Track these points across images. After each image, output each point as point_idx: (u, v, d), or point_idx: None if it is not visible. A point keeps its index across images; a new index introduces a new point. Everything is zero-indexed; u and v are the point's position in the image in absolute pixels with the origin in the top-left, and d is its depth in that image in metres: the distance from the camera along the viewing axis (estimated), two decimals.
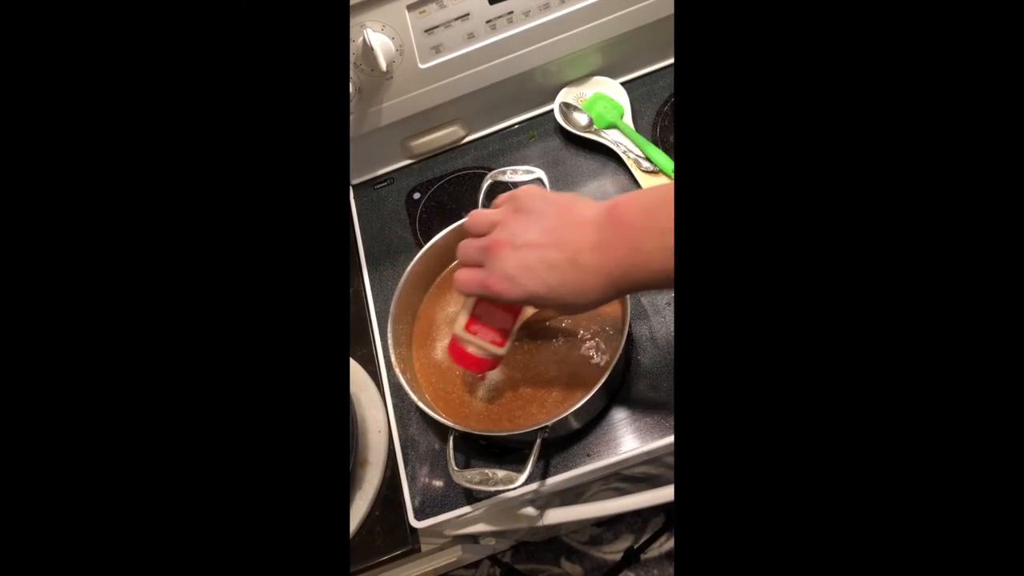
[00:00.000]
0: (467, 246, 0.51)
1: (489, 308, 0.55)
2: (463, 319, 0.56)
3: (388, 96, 0.78)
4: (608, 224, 0.45)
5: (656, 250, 0.42)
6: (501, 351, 0.57)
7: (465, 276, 0.51)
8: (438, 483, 0.68)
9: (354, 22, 0.71)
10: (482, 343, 0.56)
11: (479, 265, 0.50)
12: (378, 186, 0.88)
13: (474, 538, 0.81)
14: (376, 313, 0.79)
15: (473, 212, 0.53)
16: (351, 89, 0.74)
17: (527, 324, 0.68)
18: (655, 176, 0.77)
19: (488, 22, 0.74)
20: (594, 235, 0.45)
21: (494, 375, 0.67)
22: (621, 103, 0.84)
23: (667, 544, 1.24)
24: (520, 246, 0.47)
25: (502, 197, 0.52)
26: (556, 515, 0.72)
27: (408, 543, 0.68)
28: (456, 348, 0.58)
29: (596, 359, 0.65)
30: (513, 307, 0.55)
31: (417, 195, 0.86)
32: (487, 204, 0.72)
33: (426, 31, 0.73)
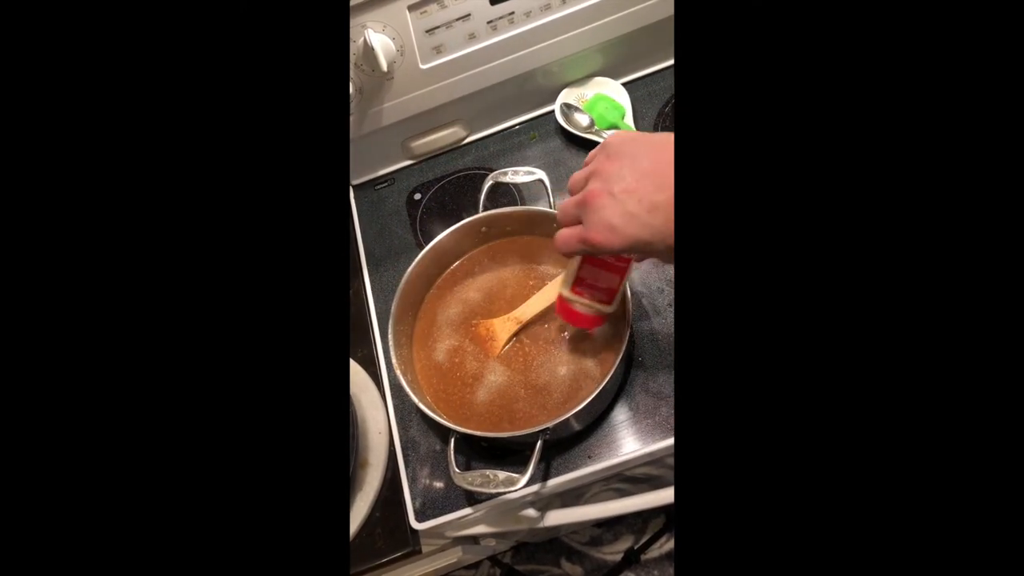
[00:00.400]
0: (565, 205, 0.49)
1: (594, 268, 0.53)
2: (569, 281, 0.54)
3: (389, 97, 0.77)
4: None
5: None
6: (610, 309, 0.55)
7: (564, 234, 0.49)
8: (439, 484, 0.68)
9: (355, 22, 0.70)
10: (591, 303, 0.55)
11: (578, 222, 0.48)
12: (379, 187, 0.88)
13: (474, 539, 0.80)
14: (377, 314, 0.78)
15: (572, 176, 0.50)
16: (352, 90, 0.74)
17: (530, 324, 0.68)
18: None
19: (489, 23, 0.74)
20: None
21: (495, 377, 0.67)
22: (622, 104, 0.83)
23: (667, 545, 1.23)
24: (618, 192, 0.45)
25: (592, 153, 0.50)
26: (557, 516, 0.72)
27: (409, 544, 0.68)
28: (563, 307, 0.56)
29: (597, 361, 0.65)
30: (619, 262, 0.53)
31: (418, 196, 0.86)
32: (488, 205, 0.72)
33: (427, 31, 0.73)
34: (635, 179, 0.45)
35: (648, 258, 0.51)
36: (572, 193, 0.49)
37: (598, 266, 0.54)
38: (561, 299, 0.57)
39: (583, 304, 0.55)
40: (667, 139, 0.46)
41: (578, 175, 0.49)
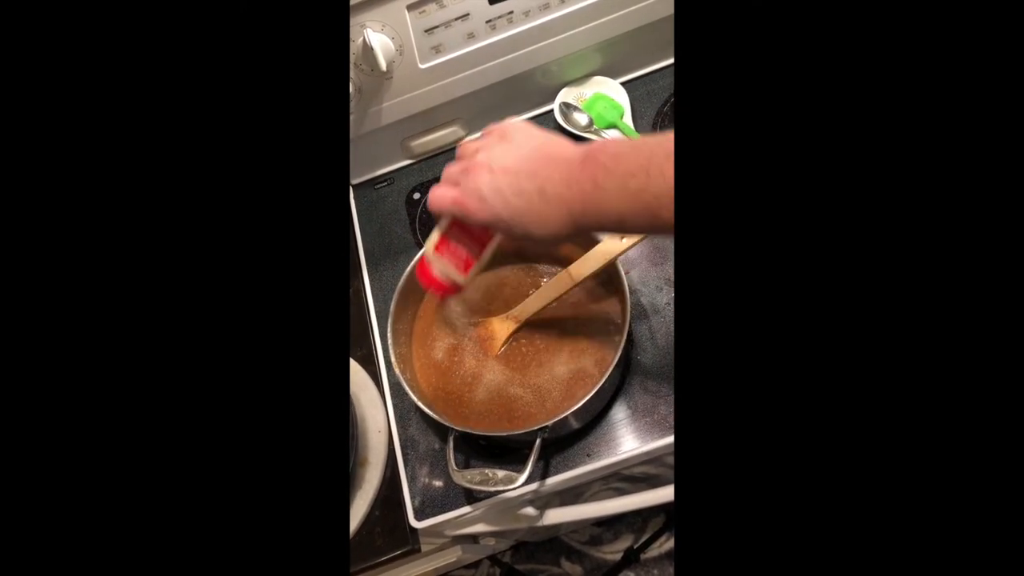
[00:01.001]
0: (450, 167, 0.53)
1: (460, 233, 0.56)
2: (434, 238, 0.57)
3: (388, 96, 0.77)
4: (579, 161, 0.47)
5: (616, 190, 0.44)
6: (463, 279, 0.58)
7: (439, 191, 0.52)
8: (438, 483, 0.68)
9: (354, 22, 0.70)
10: (447, 266, 0.57)
11: (457, 184, 0.52)
12: (378, 186, 0.88)
13: (474, 538, 0.81)
14: (376, 313, 0.79)
15: (465, 141, 0.54)
16: (351, 89, 0.74)
17: (528, 323, 0.68)
18: None
19: (488, 22, 0.74)
20: (565, 170, 0.47)
21: (494, 375, 0.67)
22: (621, 103, 0.84)
23: (667, 544, 1.24)
24: (496, 170, 0.49)
25: (491, 126, 0.54)
26: (556, 515, 0.72)
27: (408, 543, 0.68)
28: (422, 267, 0.59)
29: (596, 359, 0.65)
30: (483, 235, 0.56)
31: (417, 195, 0.86)
32: None
33: (426, 31, 0.73)
34: (514, 163, 0.49)
35: (512, 239, 0.55)
36: (460, 157, 0.53)
37: (465, 232, 0.56)
38: (423, 260, 0.59)
39: (440, 269, 0.58)
40: (554, 137, 0.50)
41: (470, 144, 0.53)
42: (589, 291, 0.68)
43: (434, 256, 0.57)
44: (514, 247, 0.67)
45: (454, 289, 0.59)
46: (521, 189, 0.48)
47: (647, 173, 0.42)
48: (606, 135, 0.82)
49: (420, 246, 0.71)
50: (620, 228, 0.46)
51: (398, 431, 0.71)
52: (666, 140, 0.41)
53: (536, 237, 0.49)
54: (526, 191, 0.48)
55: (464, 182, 0.50)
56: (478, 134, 0.51)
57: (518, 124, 0.52)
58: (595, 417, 0.67)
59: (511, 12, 0.74)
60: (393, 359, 0.65)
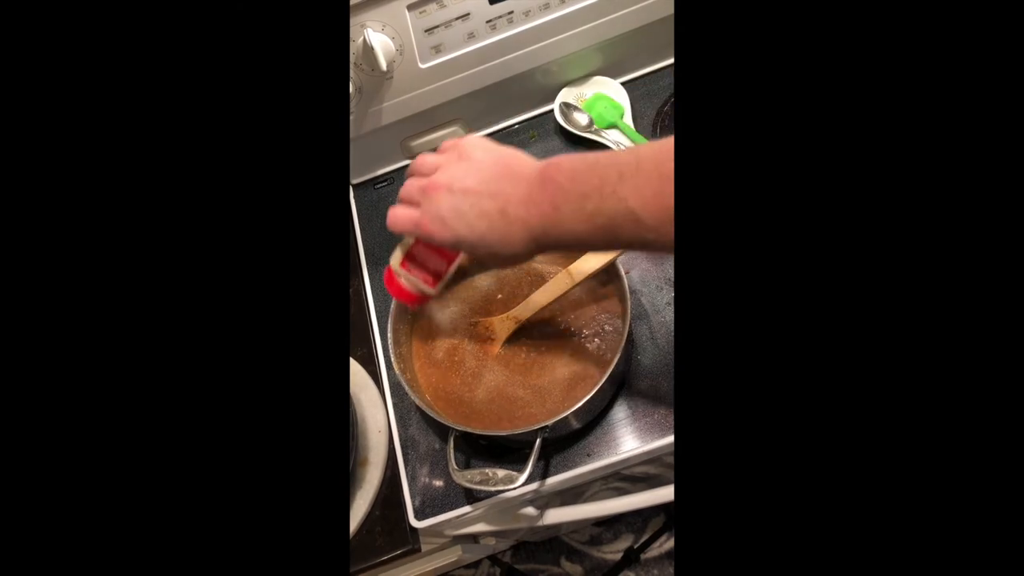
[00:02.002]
0: (408, 185, 0.53)
1: (425, 249, 0.56)
2: (399, 255, 0.57)
3: (388, 96, 0.78)
4: (538, 181, 0.46)
5: (572, 212, 0.44)
6: (432, 291, 0.58)
7: (399, 213, 0.52)
8: (438, 483, 0.68)
9: (354, 22, 0.71)
10: (415, 280, 0.57)
11: (417, 205, 0.51)
12: (378, 186, 0.88)
13: (474, 538, 0.81)
14: (376, 313, 0.79)
15: (420, 155, 0.54)
16: (351, 89, 0.74)
17: (529, 323, 0.68)
18: None
19: (488, 22, 0.74)
20: (525, 189, 0.47)
21: (494, 375, 0.67)
22: (621, 103, 0.84)
23: (667, 544, 1.24)
24: (456, 190, 0.48)
25: (447, 143, 0.53)
26: (556, 515, 0.72)
27: (408, 543, 0.68)
28: (390, 279, 0.59)
29: (596, 359, 0.65)
30: (448, 252, 0.56)
31: None
32: None
33: (426, 31, 0.73)
34: (475, 183, 0.48)
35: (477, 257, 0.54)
36: (415, 173, 0.53)
37: (430, 249, 0.56)
38: (389, 271, 0.59)
39: (408, 280, 0.57)
40: (513, 154, 0.50)
41: (427, 159, 0.52)
42: (589, 291, 0.68)
43: (401, 271, 0.57)
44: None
45: (425, 300, 0.59)
46: (483, 210, 0.47)
47: (600, 195, 0.42)
48: (606, 135, 0.82)
49: None
50: (582, 247, 0.46)
51: (398, 431, 0.71)
52: (620, 157, 0.42)
53: (500, 257, 0.49)
54: (488, 212, 0.47)
55: (424, 203, 0.50)
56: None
57: (476, 140, 0.52)
58: (595, 417, 0.67)
59: (511, 12, 0.74)
60: (393, 359, 0.65)
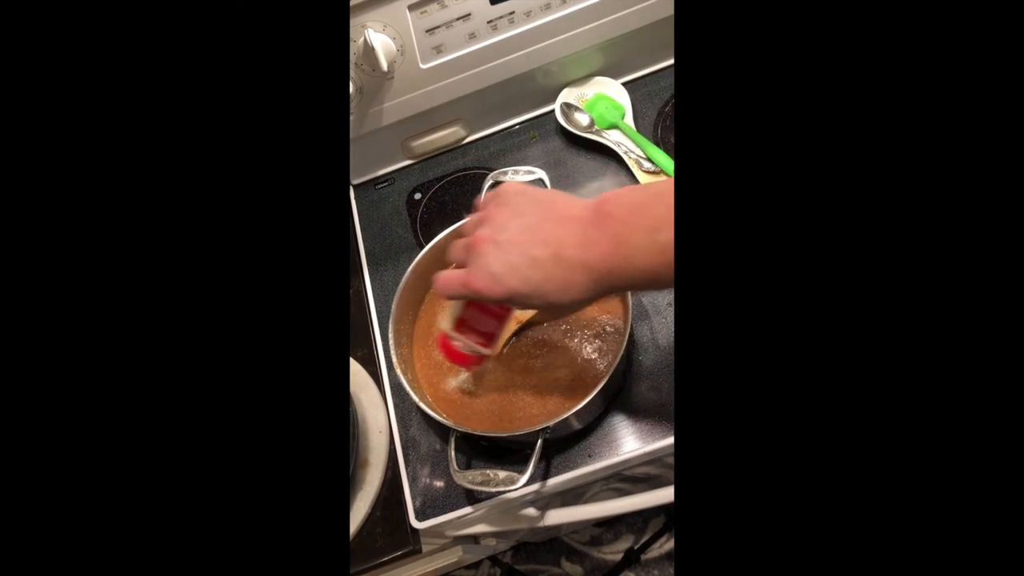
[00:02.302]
0: (455, 246, 0.50)
1: (476, 311, 0.54)
2: (452, 319, 0.55)
3: (389, 96, 0.78)
4: (594, 219, 0.43)
5: (642, 246, 0.41)
6: (488, 352, 0.56)
7: (447, 276, 0.48)
8: (439, 484, 0.68)
9: (355, 22, 0.71)
10: (469, 343, 0.55)
11: (464, 265, 0.48)
12: (379, 186, 0.88)
13: (475, 539, 0.81)
14: (377, 313, 0.79)
15: (467, 219, 0.51)
16: (352, 89, 0.74)
17: (529, 324, 0.68)
18: (656, 177, 0.77)
19: (489, 22, 0.74)
20: (579, 230, 0.44)
21: (495, 376, 0.67)
22: (622, 103, 0.84)
23: (667, 544, 1.24)
24: (503, 242, 0.45)
25: (488, 195, 0.50)
26: (557, 516, 0.72)
27: (409, 544, 0.68)
28: (445, 344, 0.57)
29: (597, 360, 0.65)
30: (501, 309, 0.54)
31: (418, 195, 0.86)
32: None
33: (427, 31, 0.73)
34: (520, 232, 0.45)
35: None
36: (464, 233, 0.49)
37: (481, 310, 0.54)
38: (443, 336, 0.56)
39: (463, 343, 0.55)
40: (556, 196, 0.47)
41: (471, 218, 0.49)
42: None
43: (455, 334, 0.55)
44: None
45: (482, 361, 0.58)
46: (535, 259, 0.44)
47: (672, 224, 0.39)
48: (607, 135, 0.82)
49: (421, 246, 0.71)
50: (652, 285, 0.42)
51: (399, 431, 0.71)
52: None
53: (557, 307, 0.46)
54: (540, 260, 0.44)
55: (471, 261, 0.46)
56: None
57: (514, 186, 0.48)
58: (596, 418, 0.66)
59: (512, 12, 0.74)
60: (395, 359, 0.65)
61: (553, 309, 0.47)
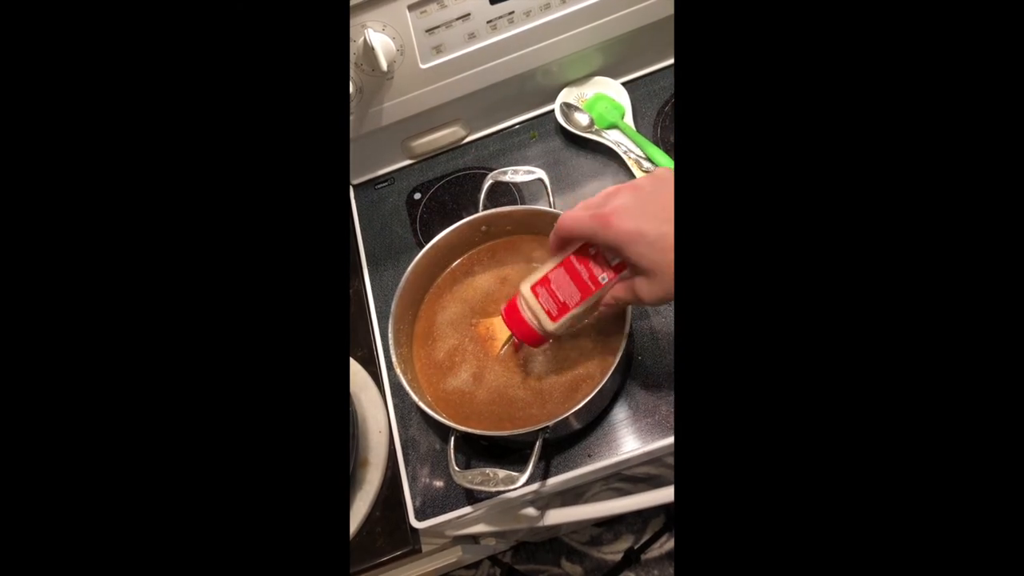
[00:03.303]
0: (575, 208, 0.49)
1: (566, 275, 0.53)
2: (535, 276, 0.54)
3: (389, 96, 0.78)
4: None
5: None
6: (551, 326, 0.55)
7: (574, 212, 0.48)
8: (439, 483, 0.68)
9: (355, 22, 0.71)
10: (538, 309, 0.54)
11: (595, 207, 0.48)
12: (379, 186, 0.88)
13: (475, 538, 0.81)
14: (376, 313, 0.79)
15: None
16: (352, 89, 0.74)
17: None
18: None
19: (489, 22, 0.74)
20: None
21: (495, 376, 0.67)
22: (622, 103, 0.84)
23: (667, 544, 1.24)
24: (642, 194, 0.46)
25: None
26: (557, 515, 0.72)
27: (409, 543, 0.68)
28: (512, 307, 0.56)
29: (597, 359, 0.65)
30: (588, 284, 0.52)
31: (418, 195, 0.86)
32: (488, 204, 0.72)
33: (427, 31, 0.73)
34: (654, 205, 0.46)
35: (621, 296, 0.51)
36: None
37: (572, 275, 0.53)
38: (514, 299, 0.56)
39: (531, 309, 0.55)
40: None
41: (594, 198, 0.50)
42: None
43: (529, 294, 0.54)
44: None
45: (537, 338, 0.56)
46: (670, 218, 0.44)
47: None
48: (607, 135, 0.82)
49: (421, 246, 0.71)
50: None
51: (399, 431, 0.71)
52: None
53: (660, 277, 0.46)
54: (665, 234, 0.44)
55: (608, 203, 0.47)
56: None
57: (647, 177, 0.49)
58: (596, 417, 0.66)
59: (512, 12, 0.74)
60: (394, 360, 0.65)
61: (648, 285, 0.46)
